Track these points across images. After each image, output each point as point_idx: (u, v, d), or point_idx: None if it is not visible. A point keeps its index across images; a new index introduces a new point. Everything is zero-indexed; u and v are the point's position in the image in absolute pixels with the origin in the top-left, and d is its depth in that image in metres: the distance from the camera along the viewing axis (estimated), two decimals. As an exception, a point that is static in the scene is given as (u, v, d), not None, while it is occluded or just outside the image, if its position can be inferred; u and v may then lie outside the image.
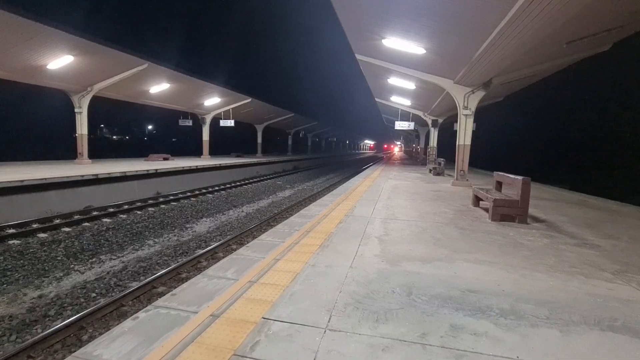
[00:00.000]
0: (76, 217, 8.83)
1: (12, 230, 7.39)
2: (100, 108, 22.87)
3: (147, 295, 4.85)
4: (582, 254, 4.11)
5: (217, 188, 15.11)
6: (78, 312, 4.26)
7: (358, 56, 10.29)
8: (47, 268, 5.71)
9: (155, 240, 7.55)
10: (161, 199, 11.80)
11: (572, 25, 5.88)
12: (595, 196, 9.33)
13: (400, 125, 18.20)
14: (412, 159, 33.63)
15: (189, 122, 21.79)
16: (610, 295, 2.97)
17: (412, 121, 18.45)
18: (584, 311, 2.65)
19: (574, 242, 4.62)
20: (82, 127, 14.37)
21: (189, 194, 13.17)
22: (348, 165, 39.58)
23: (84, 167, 12.55)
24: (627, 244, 4.64)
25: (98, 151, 20.72)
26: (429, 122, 18.73)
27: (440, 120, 18.52)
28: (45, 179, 9.11)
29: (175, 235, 7.96)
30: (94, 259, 6.20)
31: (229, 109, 22.03)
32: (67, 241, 7.06)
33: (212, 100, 20.24)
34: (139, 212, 9.98)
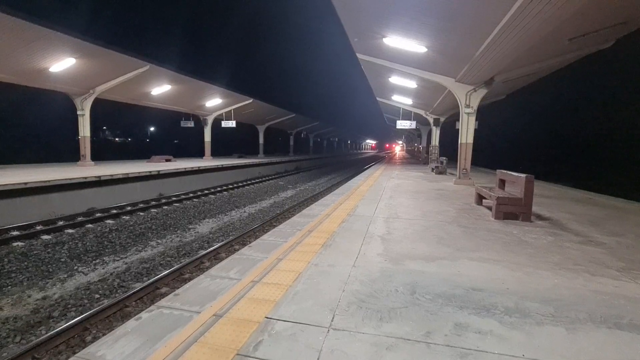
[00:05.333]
0: (79, 218, 8.86)
1: (16, 233, 7.43)
2: (103, 110, 22.95)
3: (150, 295, 4.86)
4: (587, 252, 4.07)
5: (219, 189, 15.13)
6: (82, 313, 4.27)
7: (359, 55, 10.27)
8: (51, 270, 5.73)
9: (158, 241, 7.57)
10: (164, 200, 11.83)
11: (574, 22, 5.84)
12: (599, 193, 9.26)
13: (401, 124, 18.14)
14: (414, 158, 33.57)
15: (191, 124, 21.84)
16: (616, 292, 2.94)
17: (413, 120, 18.39)
18: (590, 309, 2.62)
19: (578, 240, 4.58)
20: (84, 130, 14.43)
21: (191, 195, 13.19)
22: (350, 165, 39.54)
23: (87, 169, 12.60)
24: (632, 241, 4.60)
25: (101, 153, 20.81)
26: (431, 120, 18.67)
27: (442, 119, 18.46)
28: (49, 181, 9.15)
29: (178, 236, 7.97)
30: (97, 261, 6.22)
31: (231, 110, 22.08)
32: (70, 243, 7.09)
33: (214, 102, 20.28)
34: (141, 214, 10.00)
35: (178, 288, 3.09)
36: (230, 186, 16.27)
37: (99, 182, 10.70)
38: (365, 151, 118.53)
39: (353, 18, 7.56)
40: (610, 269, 3.49)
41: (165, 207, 11.12)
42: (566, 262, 3.69)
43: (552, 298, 2.79)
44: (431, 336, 2.21)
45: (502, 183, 6.96)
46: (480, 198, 7.21)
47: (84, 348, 2.17)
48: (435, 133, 19.03)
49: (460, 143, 10.63)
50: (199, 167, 16.02)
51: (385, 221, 5.52)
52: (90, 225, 8.48)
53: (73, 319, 4.02)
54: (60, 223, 8.36)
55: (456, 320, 2.42)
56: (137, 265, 6.04)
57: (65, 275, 5.51)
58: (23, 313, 4.33)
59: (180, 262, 6.14)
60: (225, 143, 34.95)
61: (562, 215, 6.20)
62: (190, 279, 5.27)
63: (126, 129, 56.64)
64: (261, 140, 32.06)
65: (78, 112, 14.27)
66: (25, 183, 8.57)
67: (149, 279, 5.38)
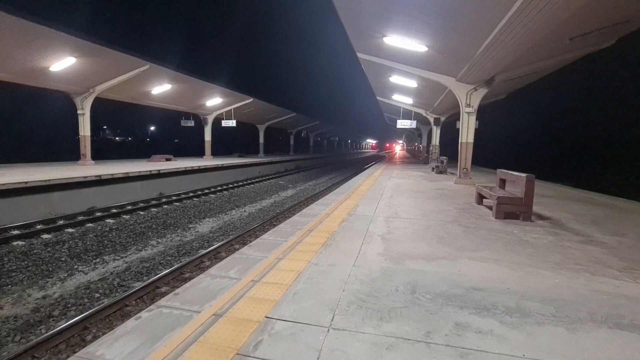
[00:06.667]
0: (80, 218, 8.87)
1: (16, 232, 7.43)
2: (103, 109, 22.98)
3: (150, 295, 4.86)
4: (587, 251, 4.06)
5: (219, 188, 15.13)
6: (82, 313, 4.27)
7: (359, 55, 10.26)
8: (51, 269, 5.73)
9: (159, 240, 7.57)
10: (164, 200, 11.83)
11: (575, 21, 5.82)
12: (600, 193, 9.24)
13: (402, 123, 18.13)
14: (415, 157, 33.54)
15: (191, 123, 21.82)
16: (617, 292, 2.93)
17: (414, 119, 18.37)
18: (591, 309, 2.61)
19: (579, 239, 4.57)
20: (84, 129, 14.43)
21: (191, 194, 13.19)
22: (350, 164, 39.52)
23: (87, 169, 12.60)
24: (633, 240, 4.58)
25: (101, 152, 20.80)
26: (431, 120, 18.65)
27: (442, 119, 18.44)
28: (49, 180, 9.15)
29: (178, 236, 7.97)
30: (97, 260, 6.22)
31: (231, 109, 22.06)
32: (70, 242, 7.09)
33: (214, 101, 20.27)
34: (142, 213, 10.00)
35: (178, 287, 3.08)
36: (231, 185, 16.26)
37: (99, 182, 10.70)
38: (366, 150, 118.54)
39: (353, 17, 7.54)
40: (611, 269, 3.48)
41: (165, 206, 11.12)
42: (567, 261, 3.68)
43: (553, 298, 2.79)
44: (431, 336, 2.21)
45: (502, 182, 6.95)
46: (480, 197, 7.20)
47: (84, 347, 2.17)
48: (436, 132, 19.01)
49: (461, 142, 10.62)
50: (199, 166, 16.02)
51: (385, 220, 5.52)
52: (90, 225, 8.48)
53: (73, 318, 4.02)
54: (61, 222, 8.35)
55: (456, 320, 2.41)
56: (137, 265, 6.04)
57: (66, 275, 5.51)
58: (23, 312, 4.32)
59: (181, 262, 6.14)
60: (225, 142, 34.95)
61: (563, 215, 6.19)
62: (190, 278, 5.26)
63: (126, 128, 56.71)
64: (261, 140, 32.03)
65: (78, 111, 14.27)
66: (26, 182, 8.57)
67: (149, 278, 5.37)
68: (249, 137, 39.35)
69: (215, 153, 24.56)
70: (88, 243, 7.09)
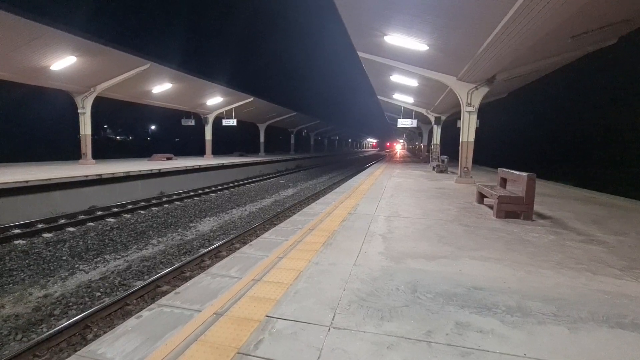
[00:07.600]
0: (80, 217, 8.88)
1: (17, 231, 7.45)
2: (104, 108, 23.00)
3: (151, 294, 4.86)
4: (589, 251, 4.05)
5: (220, 187, 15.14)
6: (83, 311, 4.28)
7: (360, 54, 10.24)
8: (52, 268, 5.74)
9: (159, 239, 7.57)
10: (165, 199, 11.83)
11: (577, 19, 5.81)
12: (601, 192, 9.22)
13: (402, 122, 18.10)
14: (415, 156, 33.52)
15: (192, 122, 21.81)
16: (618, 291, 2.92)
17: (415, 119, 18.35)
18: (592, 308, 2.61)
19: (580, 239, 4.56)
20: (85, 128, 14.44)
21: (192, 193, 13.20)
22: (351, 163, 39.51)
23: (88, 168, 12.61)
24: (634, 240, 4.58)
25: (102, 151, 20.80)
26: (432, 119, 18.63)
27: (443, 118, 18.42)
28: (50, 179, 9.16)
29: (178, 235, 7.98)
30: (98, 259, 6.23)
31: (232, 109, 22.06)
32: (71, 241, 7.10)
33: (215, 100, 20.27)
34: (142, 212, 10.01)
35: (179, 286, 3.09)
36: (231, 184, 16.27)
37: (100, 181, 10.71)
38: (366, 150, 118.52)
39: (354, 16, 7.53)
40: (612, 268, 3.48)
41: (166, 205, 11.13)
42: (568, 261, 3.68)
43: (554, 297, 2.78)
44: (432, 335, 2.21)
45: (503, 182, 6.94)
46: (481, 197, 7.19)
47: (85, 346, 2.18)
48: (437, 131, 19.00)
49: (462, 141, 10.60)
50: (200, 165, 16.02)
51: (386, 220, 5.51)
52: (91, 224, 8.50)
53: (74, 317, 4.03)
54: (62, 221, 8.36)
55: (457, 319, 2.41)
56: (138, 264, 6.04)
57: (67, 274, 5.52)
58: (24, 311, 4.33)
59: (181, 261, 6.15)
60: (226, 141, 34.95)
61: (564, 214, 6.18)
62: (191, 277, 5.27)
63: (127, 127, 56.77)
64: (262, 139, 32.01)
65: (79, 110, 14.27)
66: (27, 181, 8.58)
67: (149, 277, 5.38)
68: (250, 136, 39.30)
69: (216, 152, 24.57)
70: (89, 242, 7.10)
